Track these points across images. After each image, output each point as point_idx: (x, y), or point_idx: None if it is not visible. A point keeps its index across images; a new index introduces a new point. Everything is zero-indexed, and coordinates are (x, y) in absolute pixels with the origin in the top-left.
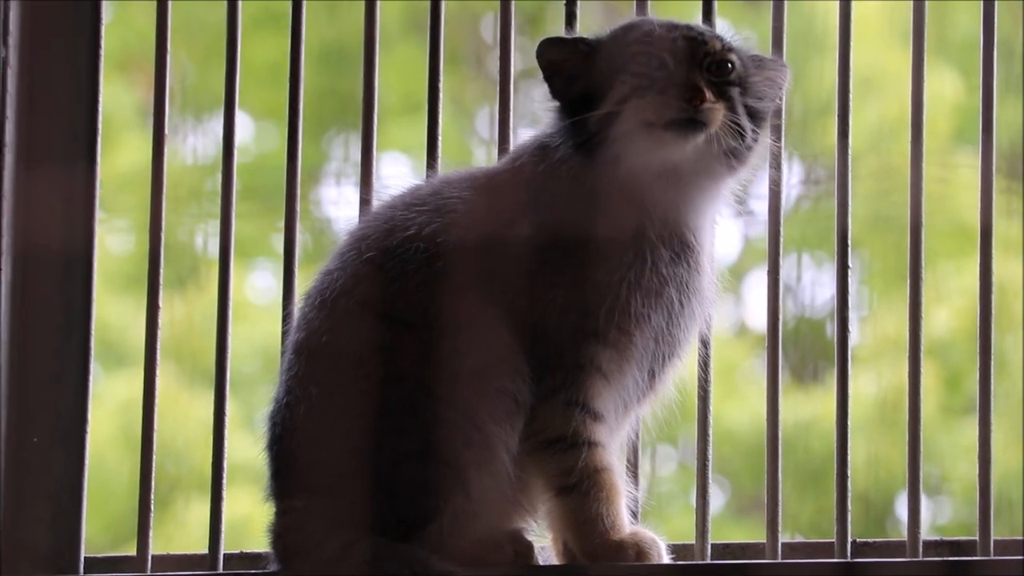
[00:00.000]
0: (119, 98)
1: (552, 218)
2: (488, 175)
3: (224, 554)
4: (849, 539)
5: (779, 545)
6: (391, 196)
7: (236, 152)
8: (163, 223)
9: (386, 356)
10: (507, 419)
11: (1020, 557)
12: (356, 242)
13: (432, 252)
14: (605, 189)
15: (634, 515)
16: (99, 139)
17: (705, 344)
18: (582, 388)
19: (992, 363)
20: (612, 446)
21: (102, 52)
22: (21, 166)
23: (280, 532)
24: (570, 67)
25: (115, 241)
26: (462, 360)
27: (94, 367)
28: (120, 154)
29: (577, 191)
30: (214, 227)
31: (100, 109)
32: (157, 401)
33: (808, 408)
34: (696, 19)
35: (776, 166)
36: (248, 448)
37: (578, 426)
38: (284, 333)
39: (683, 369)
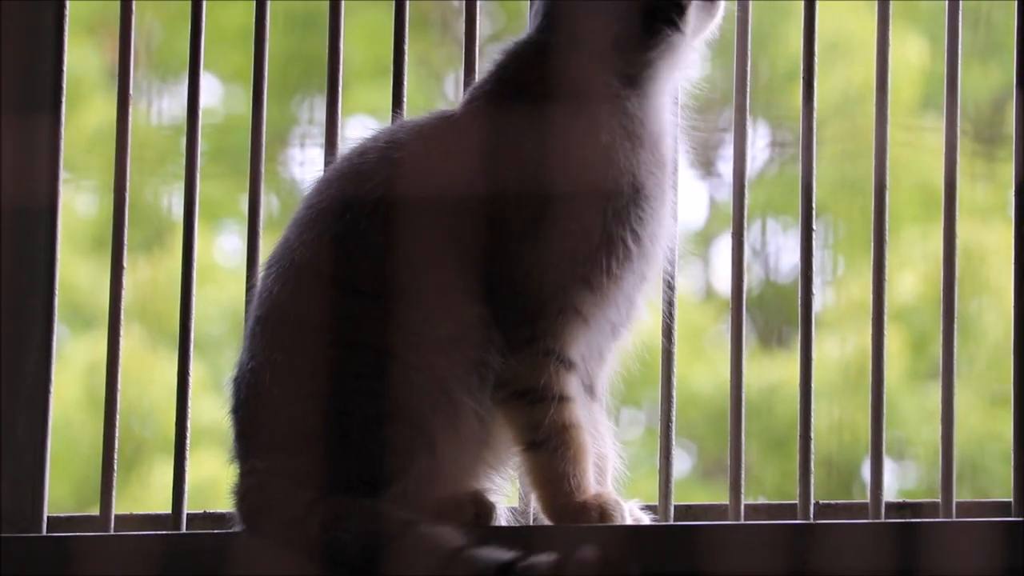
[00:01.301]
0: (88, 60)
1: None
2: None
3: (188, 514)
4: (812, 501)
5: (742, 507)
6: (346, 154)
7: (201, 114)
8: (127, 184)
9: (350, 324)
10: (477, 385)
11: (981, 519)
12: (313, 211)
13: (391, 212)
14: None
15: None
16: (63, 95)
17: (671, 305)
18: (560, 335)
19: (956, 327)
20: (582, 399)
21: (67, 10)
22: None
23: (243, 493)
24: None
25: (82, 202)
26: (429, 328)
27: (60, 328)
28: (88, 115)
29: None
30: (181, 189)
31: (64, 66)
32: (121, 363)
33: (774, 372)
34: None
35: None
36: (214, 410)
37: (550, 377)
38: (248, 298)
39: (649, 324)
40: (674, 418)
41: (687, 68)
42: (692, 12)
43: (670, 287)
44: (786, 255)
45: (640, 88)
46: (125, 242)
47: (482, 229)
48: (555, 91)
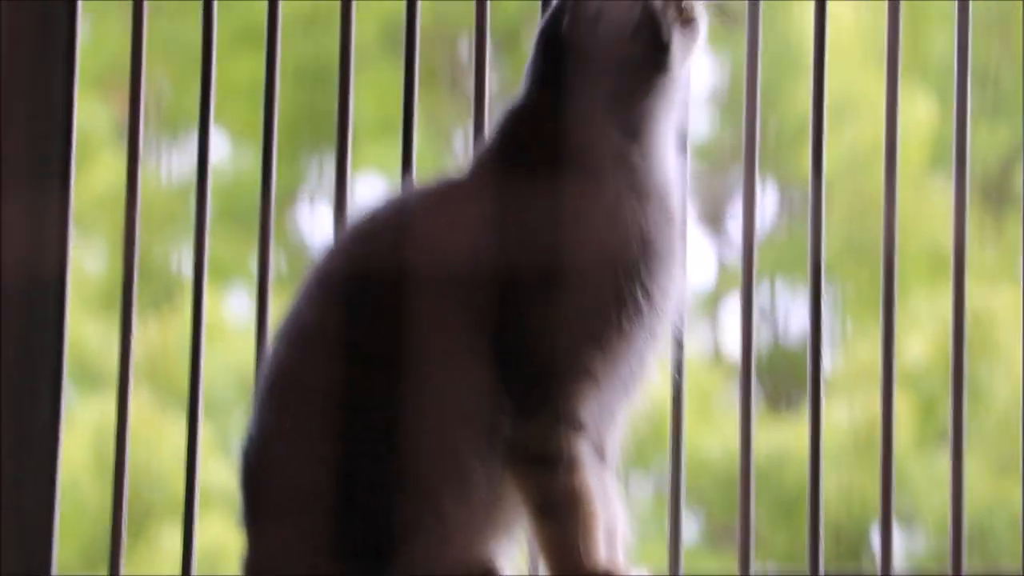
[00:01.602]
0: (95, 116)
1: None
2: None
3: None
4: (821, 572)
5: None
6: (357, 218)
7: (211, 171)
8: (137, 243)
9: (359, 389)
10: (486, 449)
11: None
12: (322, 276)
13: (400, 279)
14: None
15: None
16: (73, 157)
17: (680, 366)
18: (571, 397)
19: (965, 392)
20: (592, 463)
21: (77, 69)
22: None
23: (250, 560)
24: None
25: (90, 261)
26: (439, 393)
27: (68, 389)
28: (97, 171)
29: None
30: (189, 247)
31: (74, 131)
32: (130, 424)
33: (782, 436)
34: None
35: None
36: (223, 473)
37: (561, 441)
38: (258, 359)
39: (658, 385)
40: (683, 485)
41: (682, 105)
42: (676, 46)
43: (679, 346)
44: (795, 317)
45: (640, 138)
46: (134, 302)
47: (492, 295)
48: (557, 152)
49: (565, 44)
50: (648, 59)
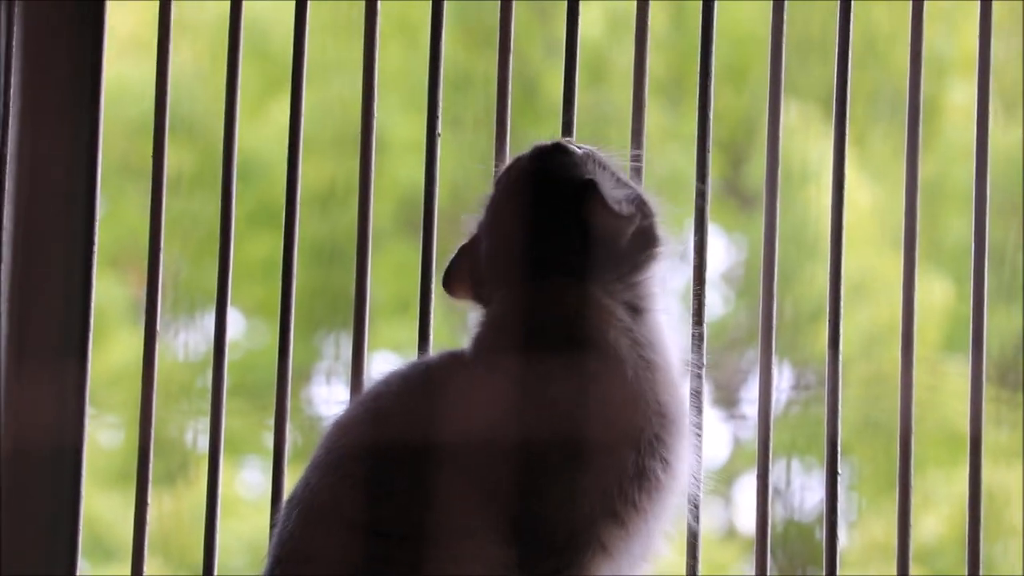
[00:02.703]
0: (111, 293)
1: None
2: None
3: None
4: None
5: None
6: (361, 398)
7: (227, 348)
8: (153, 419)
9: (373, 567)
10: None
11: None
12: (333, 454)
13: (416, 456)
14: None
15: None
16: (91, 335)
17: (695, 543)
18: (584, 569)
19: (980, 571)
20: None
21: (95, 249)
22: (12, 362)
23: None
24: None
25: (104, 436)
26: (454, 570)
27: (81, 563)
28: (113, 349)
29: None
30: (203, 423)
31: (92, 309)
32: None
33: None
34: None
35: None
36: None
37: None
38: (269, 536)
39: (671, 560)
40: None
41: (671, 277)
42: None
43: (695, 519)
44: (808, 494)
45: (643, 314)
46: (150, 478)
47: (509, 472)
48: (575, 334)
49: (571, 230)
50: (646, 237)
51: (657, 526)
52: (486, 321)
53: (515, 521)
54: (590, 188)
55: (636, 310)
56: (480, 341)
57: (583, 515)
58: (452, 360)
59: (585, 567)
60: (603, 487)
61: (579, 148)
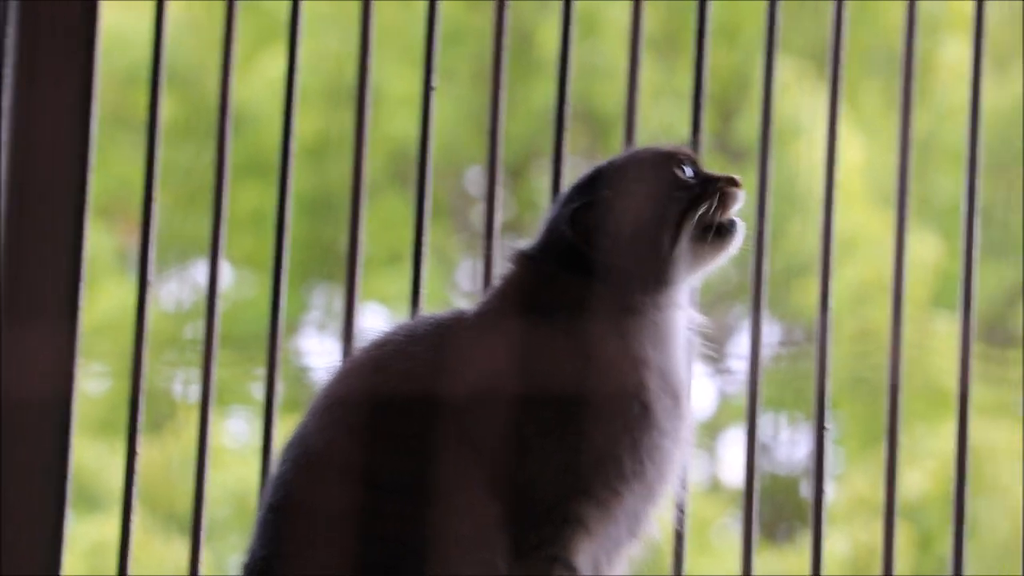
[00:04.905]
0: (100, 242)
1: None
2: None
3: None
4: None
5: None
6: (366, 344)
7: (219, 299)
8: (144, 369)
9: (367, 517)
10: None
11: None
12: (331, 401)
13: (414, 409)
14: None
15: None
16: (82, 288)
17: (681, 510)
18: (564, 544)
19: (965, 527)
20: None
21: (88, 199)
22: (3, 312)
23: None
24: None
25: (91, 384)
26: (448, 524)
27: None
28: (98, 299)
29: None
30: (190, 373)
31: (85, 256)
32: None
33: (779, 568)
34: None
35: None
36: None
37: None
38: (261, 484)
39: (658, 525)
40: None
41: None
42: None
43: (683, 484)
44: (794, 448)
45: (645, 311)
46: (140, 427)
47: (500, 431)
48: (584, 301)
49: (596, 219)
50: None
51: (640, 510)
52: (500, 287)
53: (504, 480)
54: (580, 210)
55: (638, 309)
56: (491, 300)
57: (556, 490)
58: (459, 318)
59: (564, 541)
60: (582, 463)
61: (683, 171)
